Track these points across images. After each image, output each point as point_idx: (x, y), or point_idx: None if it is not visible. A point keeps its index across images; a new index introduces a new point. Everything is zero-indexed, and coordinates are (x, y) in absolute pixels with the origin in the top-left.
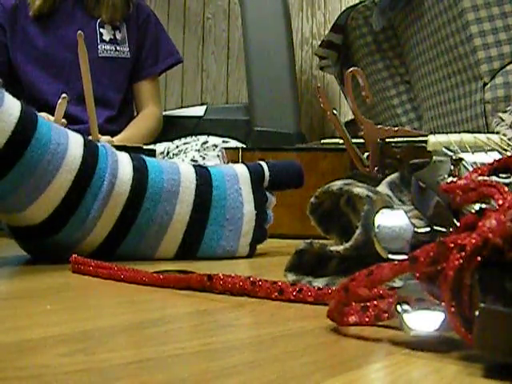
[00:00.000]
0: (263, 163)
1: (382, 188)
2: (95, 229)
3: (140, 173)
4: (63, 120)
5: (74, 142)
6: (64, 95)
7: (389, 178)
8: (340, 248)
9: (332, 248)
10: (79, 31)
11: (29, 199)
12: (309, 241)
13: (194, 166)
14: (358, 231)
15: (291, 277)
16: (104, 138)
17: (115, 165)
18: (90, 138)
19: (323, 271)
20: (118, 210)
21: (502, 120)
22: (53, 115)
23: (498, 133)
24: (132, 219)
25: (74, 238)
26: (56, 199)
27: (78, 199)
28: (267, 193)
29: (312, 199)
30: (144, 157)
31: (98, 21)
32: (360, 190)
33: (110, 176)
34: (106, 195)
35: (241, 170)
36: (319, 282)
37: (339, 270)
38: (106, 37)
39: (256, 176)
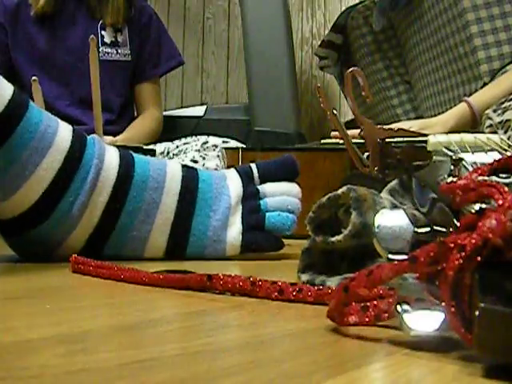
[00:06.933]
0: (252, 164)
1: (384, 195)
2: (83, 218)
3: (126, 161)
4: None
5: (64, 128)
6: (34, 77)
7: (389, 186)
8: (340, 236)
9: (333, 238)
10: (91, 36)
11: (19, 180)
12: (311, 237)
13: (180, 163)
14: (352, 216)
15: (305, 277)
16: (107, 139)
17: (102, 151)
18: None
19: (336, 271)
20: (105, 196)
21: (489, 118)
22: None
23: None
24: (120, 206)
25: (61, 228)
26: (46, 179)
27: (67, 182)
28: (258, 186)
29: (310, 213)
30: (130, 151)
31: (100, 23)
32: (343, 188)
33: (97, 161)
34: (93, 179)
35: (229, 172)
36: (333, 281)
37: (352, 269)
38: (108, 39)
39: (244, 175)
